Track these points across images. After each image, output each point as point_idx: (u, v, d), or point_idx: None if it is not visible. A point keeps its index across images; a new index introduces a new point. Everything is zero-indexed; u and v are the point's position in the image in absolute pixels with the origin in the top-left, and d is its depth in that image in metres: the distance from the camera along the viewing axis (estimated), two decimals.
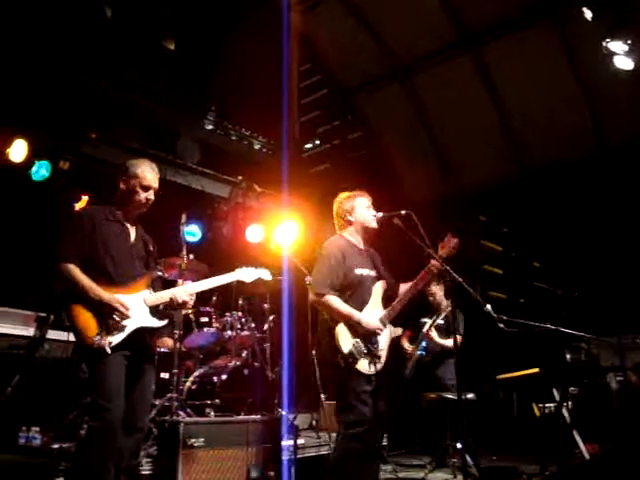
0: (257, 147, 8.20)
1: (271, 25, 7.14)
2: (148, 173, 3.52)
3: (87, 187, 6.00)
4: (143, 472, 4.11)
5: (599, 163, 7.53)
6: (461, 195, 8.60)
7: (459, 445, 5.21)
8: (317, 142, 9.34)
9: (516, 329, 3.55)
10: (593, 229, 7.56)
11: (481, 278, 8.44)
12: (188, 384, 5.30)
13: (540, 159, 8.05)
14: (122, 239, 3.48)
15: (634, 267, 7.04)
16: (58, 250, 3.32)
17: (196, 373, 5.44)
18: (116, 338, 3.21)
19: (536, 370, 5.19)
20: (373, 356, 3.66)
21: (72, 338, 3.30)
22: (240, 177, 7.47)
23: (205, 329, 5.64)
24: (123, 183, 3.49)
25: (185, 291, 3.51)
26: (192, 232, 6.89)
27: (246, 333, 5.69)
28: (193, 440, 4.11)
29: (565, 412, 5.11)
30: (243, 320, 5.75)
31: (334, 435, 5.05)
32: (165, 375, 5.19)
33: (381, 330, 3.71)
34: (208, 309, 5.75)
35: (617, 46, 5.71)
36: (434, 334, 5.72)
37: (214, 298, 5.84)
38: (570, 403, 5.28)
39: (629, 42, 5.65)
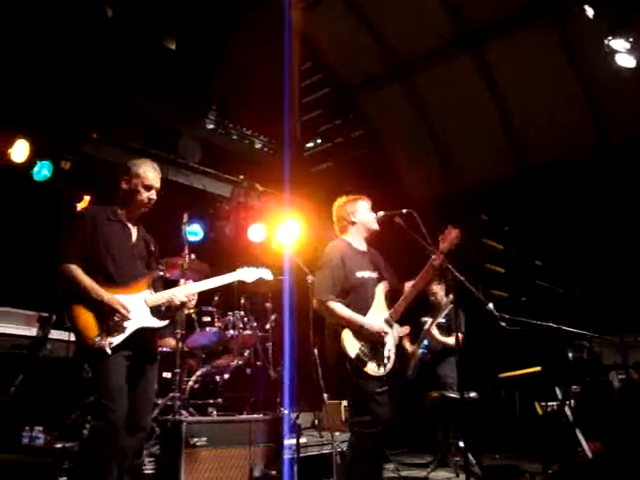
0: (258, 146, 8.20)
1: (272, 24, 7.13)
2: (150, 173, 3.52)
3: (89, 187, 6.01)
4: (146, 471, 4.12)
5: (600, 162, 7.52)
6: (462, 194, 8.59)
7: (461, 444, 5.21)
8: (318, 141, 9.34)
9: (518, 327, 3.55)
10: (594, 228, 7.55)
11: (483, 277, 8.43)
12: (190, 383, 5.31)
13: (541, 158, 8.04)
14: (124, 239, 3.48)
15: (636, 265, 7.03)
16: (60, 250, 3.32)
17: (198, 372, 5.45)
18: (117, 338, 3.21)
19: (538, 368, 5.18)
20: (381, 358, 3.68)
21: (74, 338, 3.30)
22: (242, 176, 7.48)
23: (207, 328, 5.64)
24: (125, 183, 3.49)
25: (184, 292, 3.51)
26: (194, 232, 6.89)
27: (248, 332, 5.70)
28: (196, 439, 4.12)
29: (567, 410, 5.11)
30: (245, 319, 5.76)
31: (337, 434, 5.08)
32: (168, 374, 5.20)
33: (386, 332, 3.72)
34: (210, 309, 5.76)
35: (619, 44, 5.70)
36: (435, 332, 5.72)
37: (216, 298, 5.85)
38: (572, 401, 5.28)
39: (631, 40, 5.63)
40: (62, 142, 6.22)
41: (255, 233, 7.35)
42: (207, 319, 5.71)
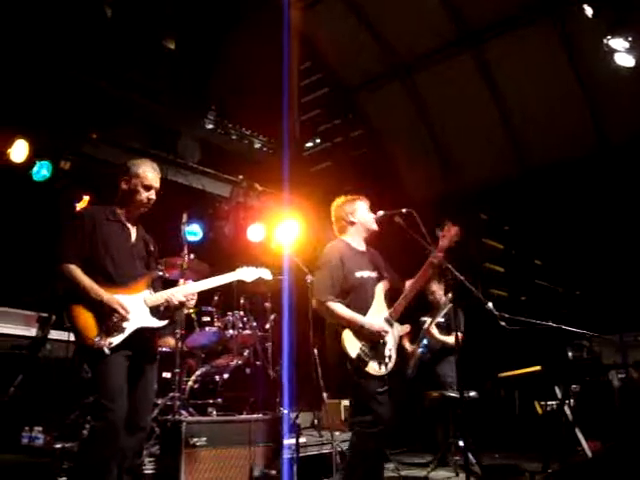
0: (257, 146, 8.20)
1: (271, 24, 7.13)
2: (149, 173, 3.52)
3: (88, 187, 6.01)
4: (146, 471, 4.12)
5: (599, 161, 7.53)
6: (462, 193, 8.59)
7: (461, 443, 5.21)
8: (318, 141, 9.33)
9: (518, 327, 3.54)
10: (594, 227, 7.55)
11: (482, 276, 8.43)
12: (190, 383, 5.31)
13: (541, 157, 8.04)
14: (123, 239, 3.48)
15: (635, 265, 7.04)
16: (59, 251, 3.32)
17: (198, 372, 5.45)
18: (116, 338, 3.21)
19: (538, 368, 5.19)
20: (382, 357, 3.68)
21: (73, 338, 3.30)
22: (241, 176, 7.48)
23: (207, 328, 5.65)
24: (125, 183, 3.49)
25: (183, 291, 3.51)
26: (193, 232, 6.89)
27: (248, 332, 5.70)
28: (195, 439, 4.12)
29: (567, 410, 5.11)
30: (245, 319, 5.76)
31: (336, 434, 5.09)
32: (167, 374, 5.20)
33: (386, 331, 3.72)
34: (210, 308, 5.76)
35: (618, 43, 5.70)
36: (435, 331, 5.72)
37: (216, 297, 5.85)
38: (572, 401, 5.28)
39: (630, 39, 5.63)
40: (61, 142, 6.22)
41: (254, 233, 7.35)
42: (207, 319, 5.72)
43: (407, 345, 5.82)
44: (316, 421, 5.82)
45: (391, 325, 3.79)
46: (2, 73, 5.65)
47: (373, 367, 3.64)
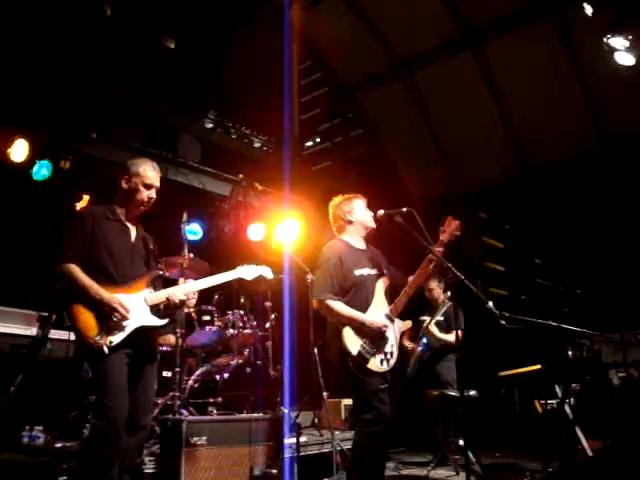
0: (258, 145, 8.20)
1: (271, 23, 7.13)
2: (150, 172, 3.52)
3: (88, 187, 6.01)
4: (146, 470, 4.12)
5: (600, 160, 7.53)
6: (462, 192, 8.60)
7: (461, 442, 5.21)
8: (318, 140, 9.33)
9: (518, 326, 3.54)
10: (594, 226, 7.55)
11: (482, 275, 8.44)
12: (190, 382, 5.31)
13: (541, 156, 8.04)
14: (123, 238, 3.48)
15: (636, 263, 7.04)
16: (59, 250, 3.32)
17: (198, 371, 5.46)
18: (117, 337, 3.21)
19: (538, 367, 5.19)
20: (384, 353, 3.69)
21: (74, 337, 3.30)
22: (241, 175, 7.47)
23: (207, 327, 5.65)
24: (125, 182, 3.49)
25: (183, 290, 3.51)
26: (193, 231, 6.89)
27: (248, 331, 5.70)
28: (196, 438, 4.12)
29: (567, 409, 5.11)
30: (245, 318, 5.76)
31: (336, 433, 5.09)
32: (167, 373, 5.21)
33: (386, 327, 3.72)
34: (210, 307, 5.77)
35: (618, 42, 5.69)
36: (434, 329, 5.71)
37: (216, 296, 5.86)
38: (572, 400, 5.28)
39: (630, 37, 5.62)
40: (61, 142, 6.21)
41: (254, 232, 7.35)
42: (207, 318, 5.72)
43: (407, 344, 5.82)
44: (316, 420, 5.82)
45: (392, 321, 3.79)
46: (2, 73, 5.64)
47: (375, 363, 3.65)
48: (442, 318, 5.77)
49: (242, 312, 5.78)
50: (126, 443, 3.21)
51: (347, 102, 8.98)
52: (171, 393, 4.88)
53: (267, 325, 5.89)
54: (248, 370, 5.78)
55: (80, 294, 3.22)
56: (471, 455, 4.72)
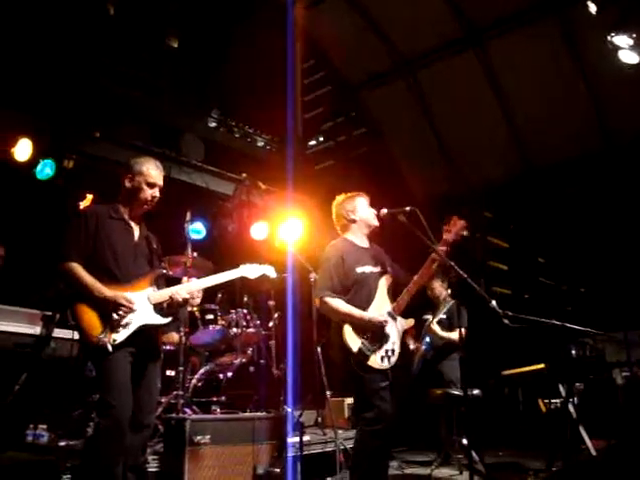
0: (261, 144, 8.21)
1: (274, 22, 7.13)
2: (153, 170, 3.52)
3: (91, 186, 6.02)
4: (150, 469, 4.12)
5: (604, 159, 7.51)
6: (465, 192, 8.59)
7: (464, 441, 5.20)
8: (321, 139, 9.33)
9: (521, 325, 3.54)
10: (598, 225, 7.54)
11: (486, 274, 8.42)
12: (194, 381, 5.31)
13: (544, 156, 8.03)
14: (126, 237, 3.48)
15: (639, 262, 7.02)
16: (62, 249, 3.33)
17: (202, 370, 5.46)
18: (120, 335, 3.22)
19: (541, 366, 5.18)
20: (385, 350, 3.68)
21: (77, 336, 3.31)
22: (244, 174, 7.47)
23: (211, 326, 5.66)
24: (128, 181, 3.49)
25: (186, 289, 3.51)
26: (197, 230, 6.89)
27: (251, 330, 5.70)
28: (199, 437, 4.12)
29: (571, 408, 5.10)
30: (248, 317, 5.76)
31: (340, 432, 5.08)
32: (171, 372, 5.22)
33: (386, 322, 3.71)
34: (213, 306, 5.77)
35: (622, 40, 5.68)
36: (437, 328, 5.70)
37: (219, 295, 5.86)
38: (576, 399, 5.27)
39: (634, 36, 5.60)
40: (65, 141, 6.22)
41: (258, 231, 7.35)
42: (210, 317, 5.72)
43: (410, 343, 5.82)
44: (319, 419, 5.82)
45: (394, 319, 3.79)
46: (6, 72, 5.66)
47: (375, 361, 3.64)
48: (445, 316, 5.77)
49: (245, 311, 5.78)
50: (130, 442, 3.22)
51: (350, 101, 8.98)
52: (175, 392, 4.88)
53: (270, 324, 5.89)
54: (251, 369, 5.79)
55: (83, 293, 3.23)
56: (474, 454, 4.71)
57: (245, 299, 5.95)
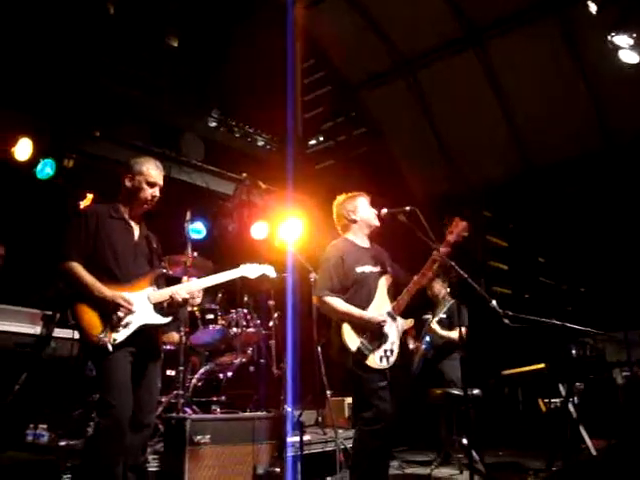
0: (261, 144, 8.20)
1: (274, 21, 7.12)
2: (153, 170, 3.52)
3: (91, 185, 6.02)
4: (150, 469, 4.12)
5: (604, 159, 7.51)
6: (465, 191, 8.59)
7: (464, 441, 5.20)
8: (321, 139, 9.33)
9: (521, 325, 3.54)
10: (598, 224, 7.54)
11: (486, 273, 8.42)
12: (194, 381, 5.32)
13: (544, 155, 8.03)
14: (126, 237, 3.48)
15: (639, 262, 7.02)
16: (62, 249, 3.33)
17: (202, 370, 5.46)
18: (120, 335, 3.22)
19: (542, 366, 5.18)
20: (383, 350, 3.68)
21: (78, 336, 3.31)
22: (244, 174, 7.47)
23: (211, 326, 5.66)
24: (128, 180, 3.49)
25: (186, 288, 3.51)
26: (197, 229, 6.89)
27: (251, 330, 5.70)
28: (199, 437, 4.12)
29: (571, 408, 5.10)
30: (248, 317, 5.76)
31: (340, 431, 5.08)
32: (171, 372, 5.21)
33: (385, 322, 3.71)
34: (213, 306, 5.77)
35: (622, 40, 5.67)
36: (436, 327, 5.70)
37: (219, 295, 5.86)
38: (576, 399, 5.27)
39: (634, 35, 5.60)
40: (65, 140, 6.22)
41: (258, 231, 7.35)
42: (210, 317, 5.73)
43: (410, 342, 5.82)
44: (320, 419, 5.82)
45: (394, 319, 3.79)
46: (6, 72, 5.65)
47: (374, 360, 3.64)
48: (445, 315, 5.77)
49: (245, 311, 5.79)
50: (130, 441, 3.22)
51: (350, 101, 8.97)
52: (175, 391, 4.88)
53: (270, 324, 5.89)
54: (251, 369, 5.79)
55: (83, 293, 3.23)
56: (474, 454, 4.71)
57: (245, 299, 5.95)
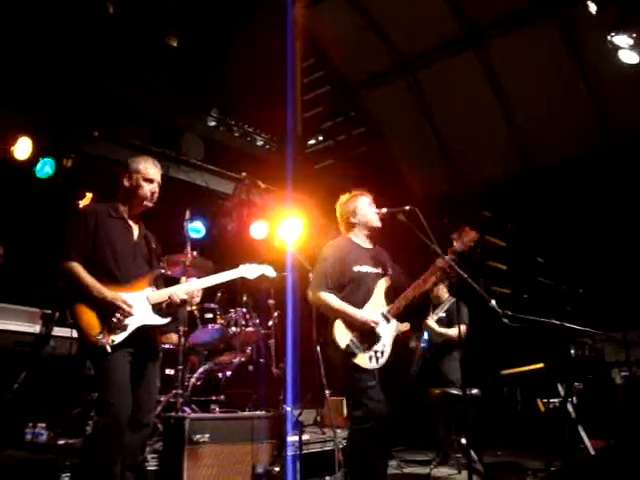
0: (260, 143, 8.21)
1: (274, 21, 7.12)
2: (150, 168, 3.53)
3: (91, 184, 6.02)
4: (149, 468, 4.12)
5: (604, 159, 7.51)
6: (465, 191, 8.59)
7: (463, 440, 5.21)
8: (320, 138, 9.33)
9: (520, 324, 3.54)
10: (597, 224, 7.54)
11: (485, 273, 8.42)
12: (193, 380, 5.32)
13: (544, 155, 8.03)
14: (125, 236, 3.48)
15: (638, 262, 7.02)
16: (62, 248, 3.32)
17: (201, 369, 5.47)
18: (119, 336, 3.22)
19: (540, 365, 5.18)
20: (373, 351, 3.67)
21: (77, 335, 3.31)
22: (244, 173, 7.47)
23: (210, 325, 5.66)
24: (126, 179, 3.50)
25: (184, 289, 3.51)
26: (196, 229, 6.90)
27: (251, 329, 5.71)
28: (198, 436, 4.12)
29: (570, 408, 5.11)
30: (247, 316, 5.76)
31: (339, 431, 5.09)
32: (170, 371, 5.22)
33: (377, 323, 3.70)
34: (213, 305, 5.77)
35: (622, 40, 5.67)
36: (434, 325, 5.69)
37: (219, 294, 5.86)
38: (575, 399, 5.27)
39: (634, 35, 5.60)
40: (64, 140, 6.23)
41: (257, 230, 7.35)
42: (210, 316, 5.73)
43: (412, 341, 5.82)
44: (319, 418, 5.83)
45: (388, 321, 3.78)
46: (6, 72, 5.66)
47: (363, 360, 3.63)
48: (444, 314, 5.77)
49: (245, 310, 5.79)
50: (129, 440, 3.22)
51: (350, 100, 8.97)
52: (174, 391, 4.89)
53: (270, 323, 5.90)
54: (250, 368, 5.79)
55: (83, 293, 3.23)
56: (473, 454, 4.72)
57: (244, 298, 5.95)
